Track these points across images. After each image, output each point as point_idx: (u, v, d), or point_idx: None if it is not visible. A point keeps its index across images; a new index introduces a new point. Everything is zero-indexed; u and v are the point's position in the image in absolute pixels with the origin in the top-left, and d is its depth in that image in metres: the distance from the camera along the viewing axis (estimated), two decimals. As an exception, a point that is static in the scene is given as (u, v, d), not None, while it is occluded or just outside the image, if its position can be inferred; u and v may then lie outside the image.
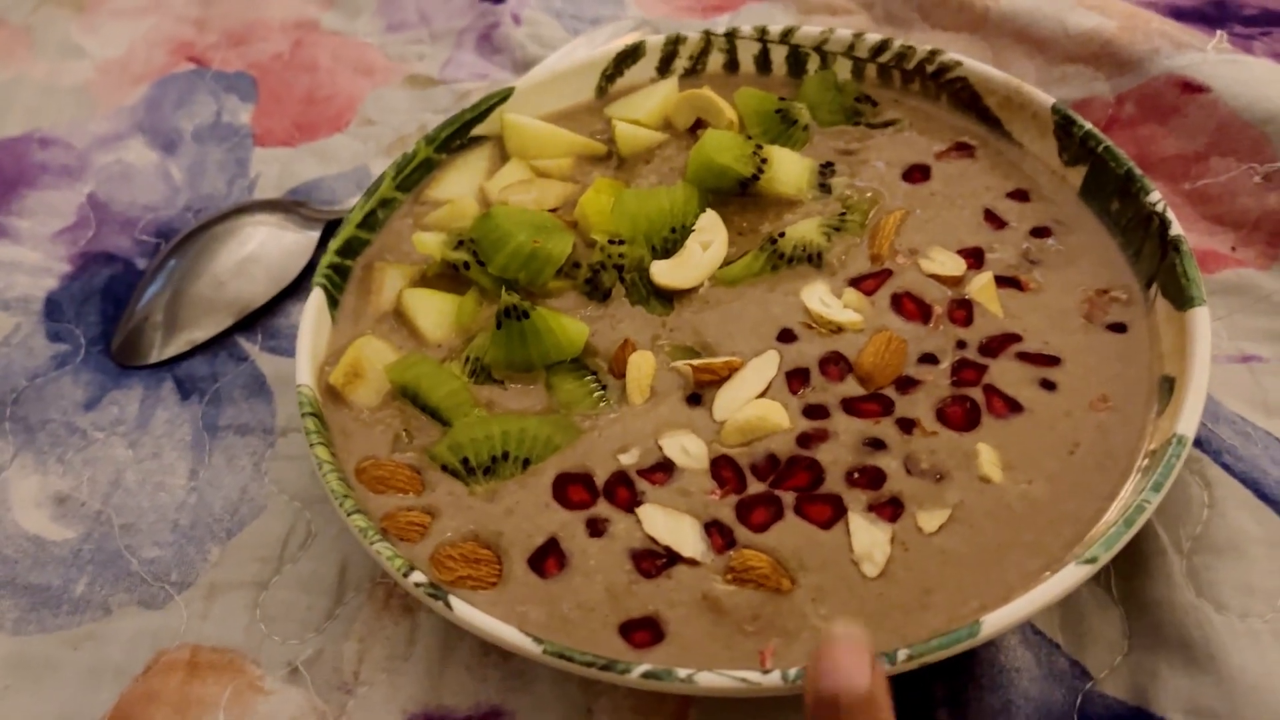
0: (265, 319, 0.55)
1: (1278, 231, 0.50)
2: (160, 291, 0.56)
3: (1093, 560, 0.36)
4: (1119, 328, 0.45)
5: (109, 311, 0.56)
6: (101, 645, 0.44)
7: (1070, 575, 0.35)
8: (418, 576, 0.37)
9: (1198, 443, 0.43)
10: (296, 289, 0.56)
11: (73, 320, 0.56)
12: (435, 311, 0.48)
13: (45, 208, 0.62)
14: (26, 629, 0.44)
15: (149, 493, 0.48)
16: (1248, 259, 0.51)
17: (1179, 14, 0.63)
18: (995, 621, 0.35)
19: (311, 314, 0.47)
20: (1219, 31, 0.56)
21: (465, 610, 0.37)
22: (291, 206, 0.59)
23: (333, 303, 0.49)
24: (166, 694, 0.42)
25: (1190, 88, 0.54)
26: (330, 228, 0.58)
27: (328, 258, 0.49)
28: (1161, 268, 0.45)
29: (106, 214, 0.61)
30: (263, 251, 0.57)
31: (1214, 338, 0.48)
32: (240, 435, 0.50)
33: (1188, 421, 0.39)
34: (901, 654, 0.34)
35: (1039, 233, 0.49)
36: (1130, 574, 0.41)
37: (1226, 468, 0.42)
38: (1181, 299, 0.43)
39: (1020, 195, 0.50)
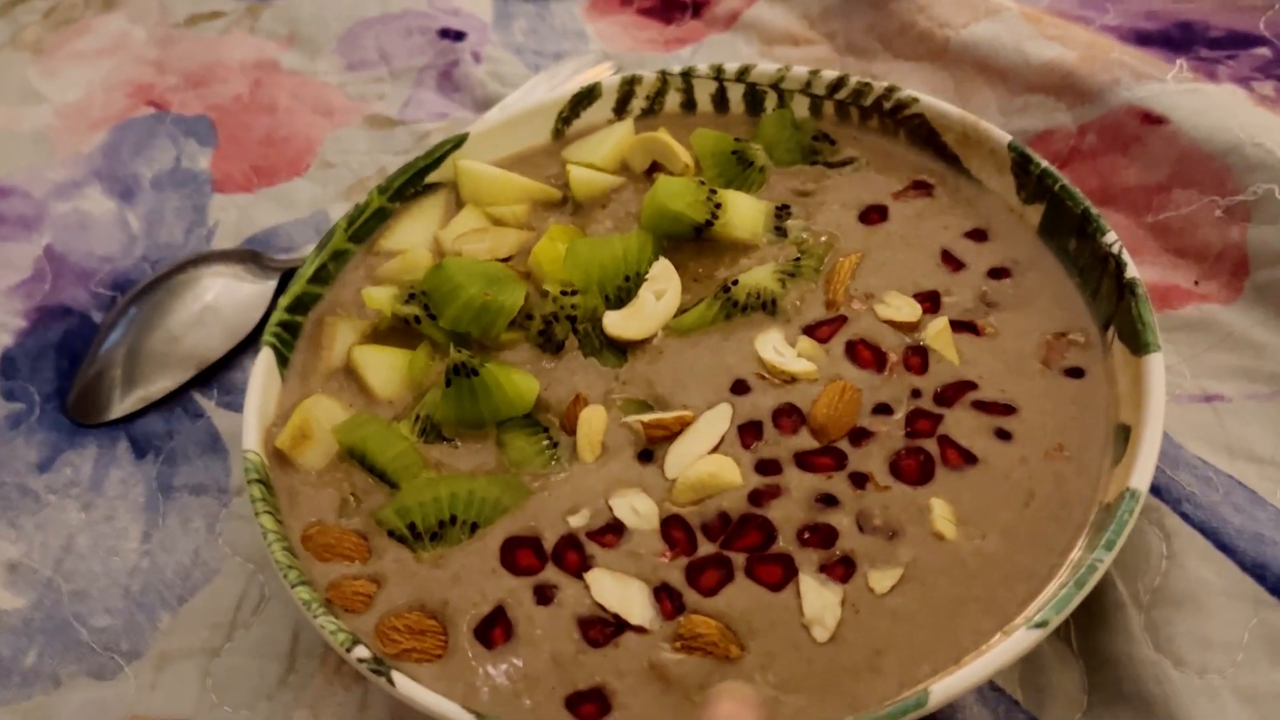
0: (222, 373, 0.55)
1: (1241, 266, 0.50)
2: (116, 346, 0.55)
3: (1043, 624, 0.35)
4: (1076, 372, 0.44)
5: (64, 367, 0.56)
6: (50, 719, 0.43)
7: (1020, 640, 0.35)
8: (361, 651, 0.37)
9: (1157, 491, 0.43)
10: (253, 341, 0.56)
11: (27, 378, 0.55)
12: (385, 368, 0.48)
13: (2, 260, 0.61)
14: (-25, 703, 0.44)
15: (101, 557, 0.48)
16: (1211, 293, 0.50)
17: (1144, 38, 0.63)
18: (944, 690, 0.34)
19: (260, 375, 0.46)
20: (1179, 61, 0.56)
21: (408, 686, 0.36)
22: (248, 256, 0.58)
23: (283, 361, 0.48)
24: (115, 769, 0.41)
25: (1150, 119, 0.53)
26: (286, 277, 0.57)
27: (278, 315, 0.49)
28: (1118, 310, 0.44)
29: (63, 266, 0.61)
30: (219, 303, 0.56)
31: (1176, 377, 0.48)
32: (194, 495, 0.50)
33: (1141, 475, 0.38)
34: (848, 724, 0.34)
35: (997, 273, 0.48)
36: (1090, 628, 0.41)
37: (1185, 516, 0.42)
38: (1137, 344, 0.42)
39: (978, 235, 0.50)
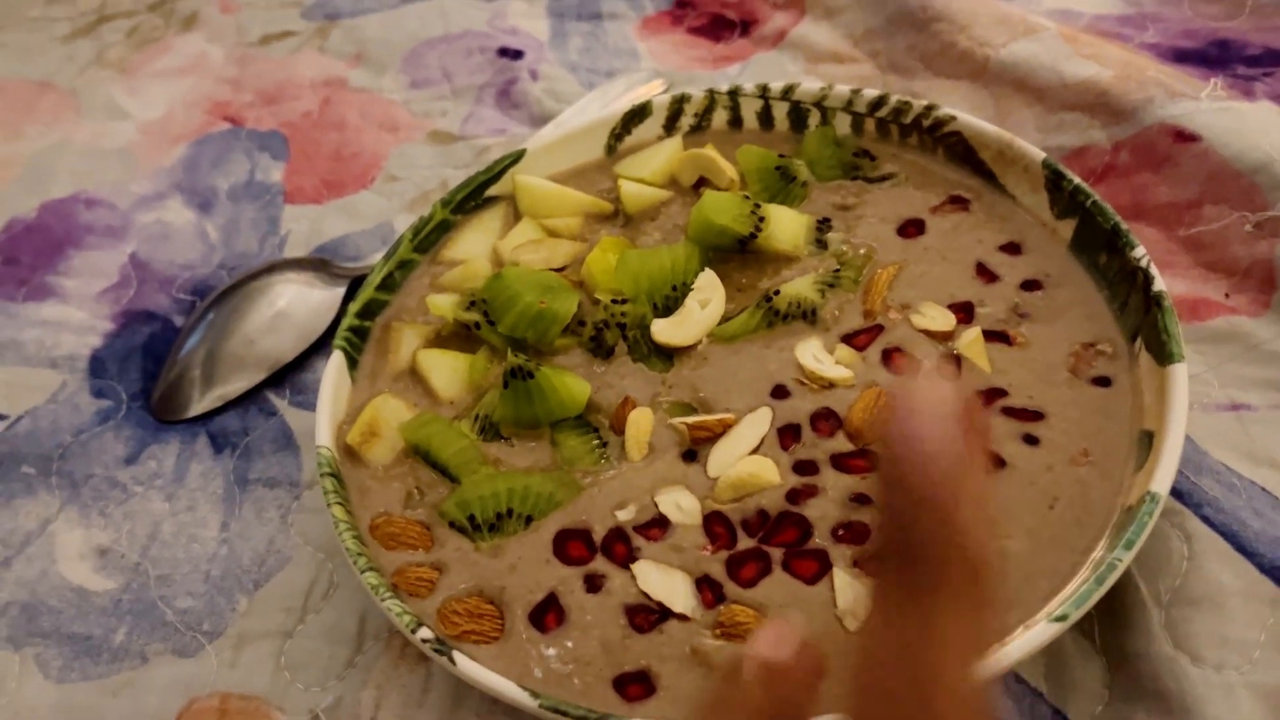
0: (293, 374, 0.58)
1: (1268, 280, 0.51)
2: (196, 348, 0.59)
3: (1063, 618, 0.37)
4: (1103, 381, 0.46)
5: (148, 368, 0.60)
6: (139, 693, 0.47)
7: (1041, 632, 0.37)
8: (425, 632, 0.40)
9: (1179, 496, 0.44)
10: (323, 344, 0.59)
11: (115, 377, 0.59)
12: (448, 370, 0.51)
13: (90, 268, 0.65)
14: (70, 677, 0.47)
15: (183, 544, 0.52)
16: (1240, 306, 0.52)
17: (1181, 55, 0.64)
18: (967, 678, 0.36)
19: (331, 377, 0.49)
20: (1213, 80, 0.57)
21: (468, 665, 0.39)
22: (319, 264, 0.62)
23: (352, 363, 0.52)
24: (198, 739, 0.45)
25: (1183, 137, 0.55)
26: (354, 284, 0.61)
27: (348, 320, 0.52)
28: (1145, 322, 0.46)
29: (147, 273, 0.65)
30: (291, 309, 0.60)
31: (1203, 386, 0.49)
32: (268, 488, 0.53)
33: (1162, 480, 0.40)
34: (876, 709, 0.36)
35: (1029, 286, 0.50)
36: (1112, 625, 0.43)
37: (1207, 520, 0.43)
38: (1162, 354, 0.44)
39: (1012, 248, 0.52)
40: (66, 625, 0.49)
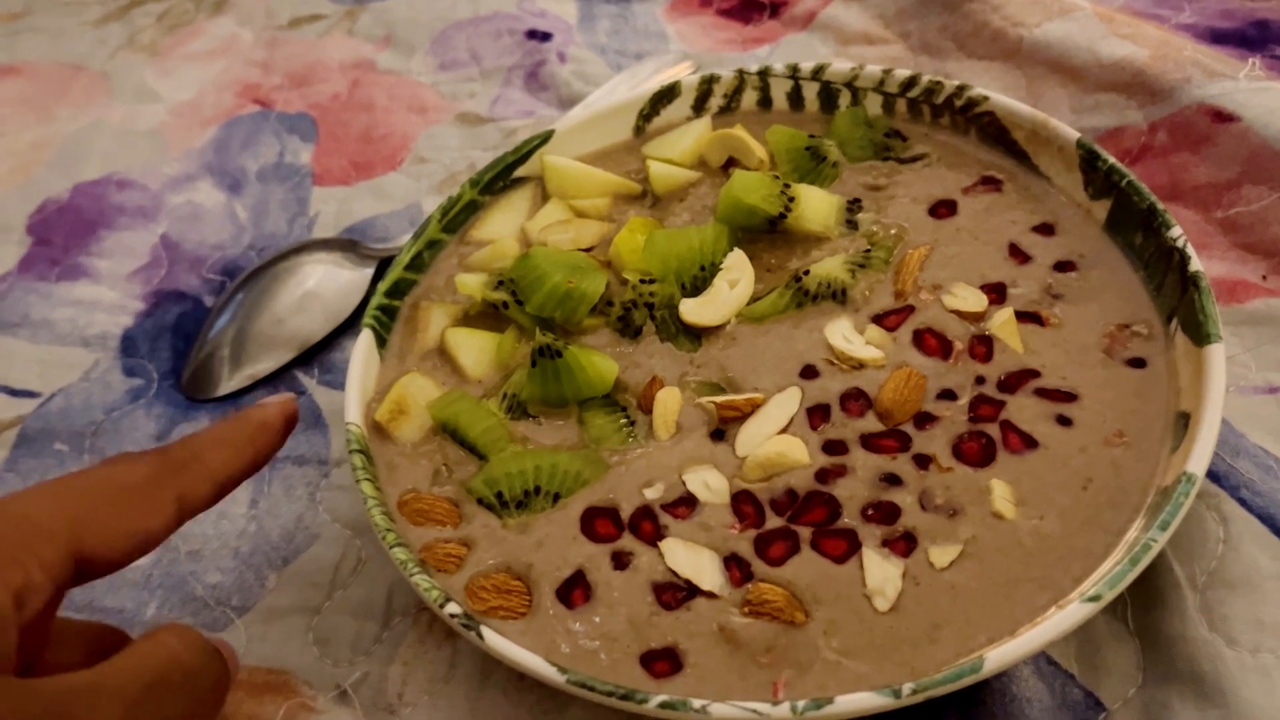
0: (322, 353, 0.59)
1: (1308, 261, 0.50)
2: (225, 328, 0.59)
3: (1096, 598, 0.37)
4: (1138, 363, 0.46)
5: (179, 347, 0.60)
6: (169, 665, 0.47)
7: (1074, 613, 0.37)
8: (453, 608, 0.40)
9: (1216, 478, 0.44)
10: (351, 324, 0.59)
11: (146, 356, 0.60)
12: (476, 349, 0.51)
13: (122, 248, 0.66)
14: (102, 649, 0.48)
15: (213, 521, 0.52)
16: (1278, 288, 0.51)
17: (1218, 36, 0.63)
18: (998, 658, 0.36)
19: (360, 355, 0.49)
20: (1251, 60, 0.56)
21: (496, 640, 0.39)
22: (347, 245, 0.62)
23: (381, 341, 0.52)
24: (227, 713, 0.45)
25: (1221, 117, 0.54)
26: (383, 265, 0.61)
27: (377, 299, 0.52)
28: (1182, 302, 0.45)
29: (177, 253, 0.65)
30: (320, 289, 0.60)
31: (1241, 368, 0.49)
32: (297, 466, 0.54)
33: (1198, 460, 0.39)
34: (906, 688, 0.36)
35: (1062, 267, 0.50)
36: (1146, 607, 0.42)
37: (1243, 503, 0.43)
38: (1199, 335, 0.43)
39: (1045, 229, 0.51)
40: (99, 599, 0.50)
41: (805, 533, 0.42)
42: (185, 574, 0.50)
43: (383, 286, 0.53)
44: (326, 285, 0.60)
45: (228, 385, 0.58)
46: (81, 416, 0.57)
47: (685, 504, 0.44)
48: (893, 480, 0.43)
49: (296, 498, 0.52)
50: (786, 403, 0.46)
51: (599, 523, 0.44)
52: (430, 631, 0.46)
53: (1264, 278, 0.51)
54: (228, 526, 0.52)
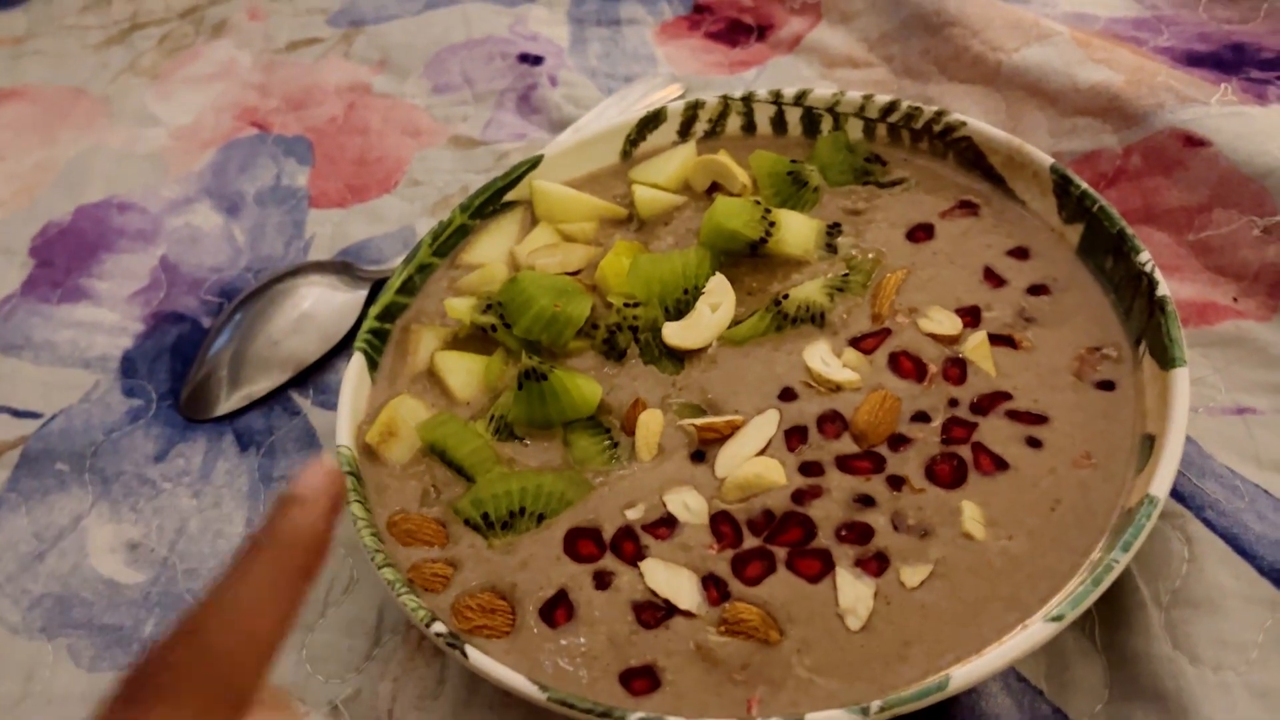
0: (317, 374, 0.60)
1: (1277, 284, 0.51)
2: (223, 349, 0.61)
3: (1059, 618, 0.38)
4: (1107, 385, 0.47)
5: (177, 368, 0.61)
6: (166, 681, 0.48)
7: (1037, 632, 0.38)
8: (439, 627, 0.41)
9: (1182, 498, 0.45)
10: (345, 345, 0.61)
11: (145, 377, 0.61)
12: (464, 371, 0.52)
13: (122, 270, 0.67)
14: (100, 666, 0.49)
15: (209, 540, 0.53)
16: (1248, 310, 0.52)
17: (1196, 59, 0.65)
18: (963, 676, 0.37)
19: (352, 378, 0.51)
20: (1223, 85, 0.58)
21: (480, 659, 0.40)
22: (342, 267, 0.63)
23: (372, 364, 0.53)
24: (221, 728, 0.46)
25: (1193, 141, 0.55)
26: (376, 287, 0.62)
27: (368, 323, 0.54)
28: (1149, 326, 0.47)
29: (176, 275, 0.67)
30: (315, 311, 0.62)
31: (1210, 390, 0.50)
32: (292, 485, 0.55)
33: (1161, 483, 0.40)
34: (874, 706, 0.37)
35: (1036, 290, 0.51)
36: (1113, 625, 0.43)
37: (1208, 523, 0.44)
38: (1165, 358, 0.45)
39: (1020, 253, 0.52)
40: (98, 616, 0.51)
41: (781, 553, 0.43)
42: (182, 591, 0.51)
43: (374, 310, 0.54)
44: (321, 307, 0.62)
45: (225, 405, 0.59)
46: (82, 437, 0.58)
47: (666, 524, 0.45)
48: (866, 501, 0.44)
49: (291, 517, 0.53)
50: (765, 425, 0.47)
51: (581, 543, 0.45)
52: (420, 649, 0.48)
53: (1234, 300, 0.53)
54: (224, 545, 0.53)
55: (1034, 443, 0.45)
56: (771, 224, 0.53)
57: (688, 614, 0.42)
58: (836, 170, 0.58)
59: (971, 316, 0.50)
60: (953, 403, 0.47)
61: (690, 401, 0.49)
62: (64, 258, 0.69)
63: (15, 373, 0.62)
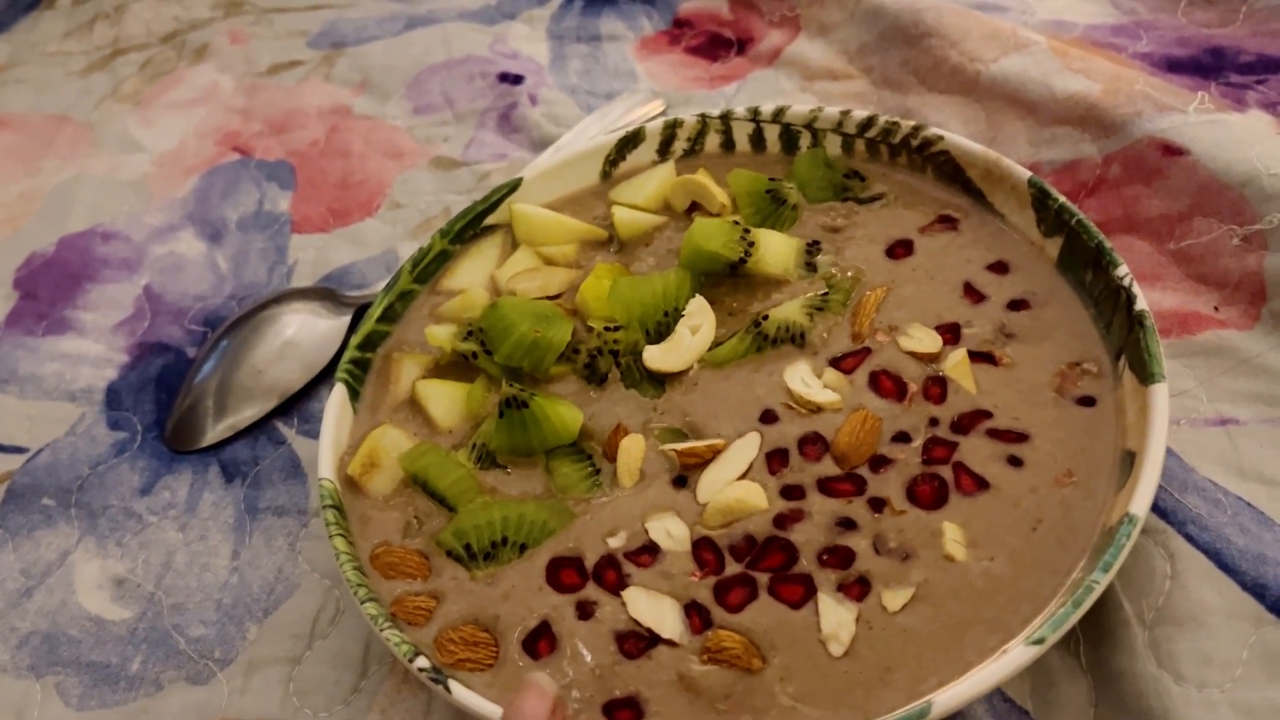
0: (301, 402, 0.60)
1: (1258, 293, 0.51)
2: (207, 379, 0.61)
3: (1040, 641, 0.38)
4: (1088, 401, 0.47)
5: (162, 399, 0.61)
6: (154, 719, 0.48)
7: (1018, 656, 0.38)
8: (422, 661, 0.41)
9: (1163, 514, 0.45)
10: (328, 373, 0.61)
11: (130, 409, 0.61)
12: (446, 400, 0.52)
13: (106, 300, 0.67)
14: (89, 705, 0.49)
15: (196, 573, 0.53)
16: (1230, 319, 0.52)
17: (1174, 64, 0.65)
18: (945, 701, 0.37)
19: (334, 410, 0.51)
20: (1201, 92, 0.57)
21: (463, 693, 0.40)
22: (324, 294, 0.63)
23: (354, 394, 0.53)
24: (210, 764, 0.46)
25: (1171, 150, 0.55)
26: (359, 312, 0.62)
27: (350, 352, 0.54)
28: (1128, 341, 0.46)
29: (160, 305, 0.67)
30: (298, 338, 0.62)
31: (1192, 401, 0.50)
32: (277, 516, 0.55)
33: (1141, 501, 0.40)
34: (856, 734, 0.37)
35: (1016, 305, 0.51)
36: (1097, 644, 0.43)
37: (1190, 538, 0.44)
38: (1144, 374, 0.44)
39: (1000, 267, 0.52)
40: (85, 654, 0.51)
41: (763, 578, 0.43)
42: (169, 628, 0.51)
43: (355, 340, 0.54)
44: (304, 335, 0.62)
45: (211, 436, 0.59)
46: (68, 471, 0.58)
47: (648, 552, 0.45)
48: (848, 524, 0.44)
49: (277, 548, 0.54)
50: (746, 448, 0.47)
51: (564, 573, 0.45)
52: (406, 681, 0.48)
53: (1216, 309, 0.52)
54: (210, 579, 0.53)
55: (1015, 461, 0.45)
56: (751, 244, 0.53)
57: (670, 643, 0.42)
58: (815, 187, 0.58)
59: (952, 333, 0.50)
60: (933, 422, 0.47)
61: (671, 425, 0.49)
62: (48, 289, 0.69)
63: (1, 407, 0.62)
